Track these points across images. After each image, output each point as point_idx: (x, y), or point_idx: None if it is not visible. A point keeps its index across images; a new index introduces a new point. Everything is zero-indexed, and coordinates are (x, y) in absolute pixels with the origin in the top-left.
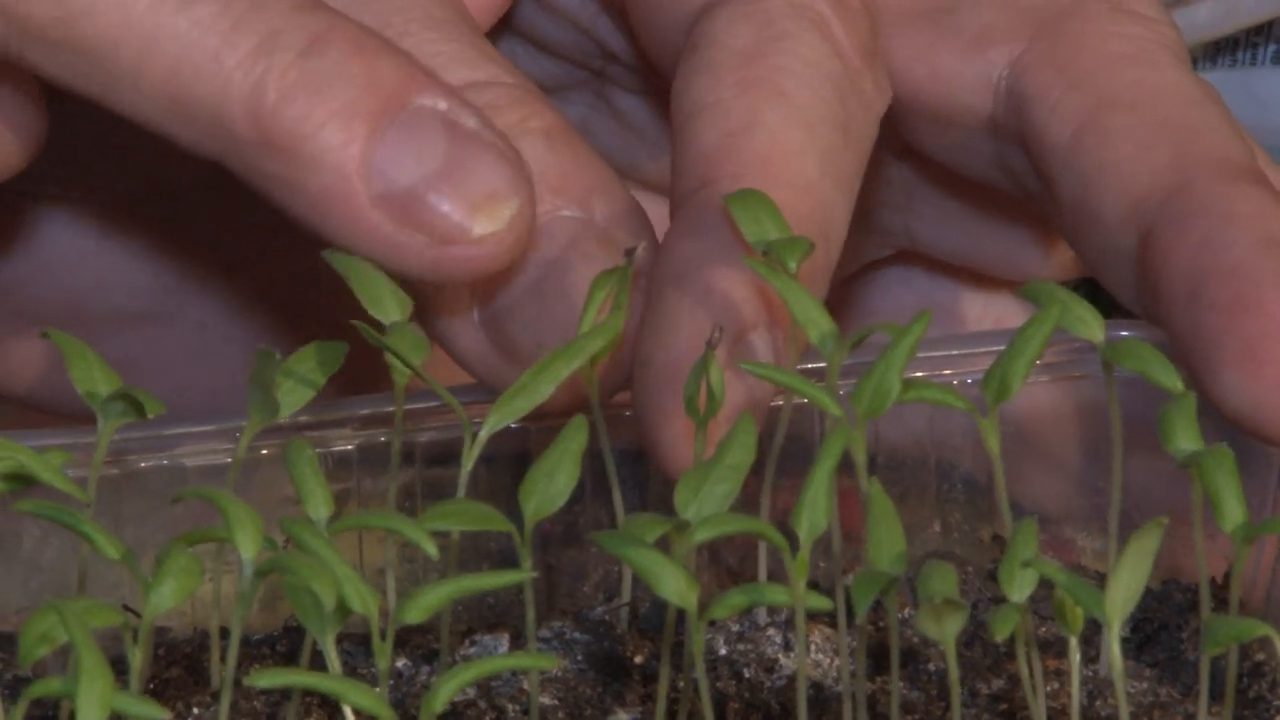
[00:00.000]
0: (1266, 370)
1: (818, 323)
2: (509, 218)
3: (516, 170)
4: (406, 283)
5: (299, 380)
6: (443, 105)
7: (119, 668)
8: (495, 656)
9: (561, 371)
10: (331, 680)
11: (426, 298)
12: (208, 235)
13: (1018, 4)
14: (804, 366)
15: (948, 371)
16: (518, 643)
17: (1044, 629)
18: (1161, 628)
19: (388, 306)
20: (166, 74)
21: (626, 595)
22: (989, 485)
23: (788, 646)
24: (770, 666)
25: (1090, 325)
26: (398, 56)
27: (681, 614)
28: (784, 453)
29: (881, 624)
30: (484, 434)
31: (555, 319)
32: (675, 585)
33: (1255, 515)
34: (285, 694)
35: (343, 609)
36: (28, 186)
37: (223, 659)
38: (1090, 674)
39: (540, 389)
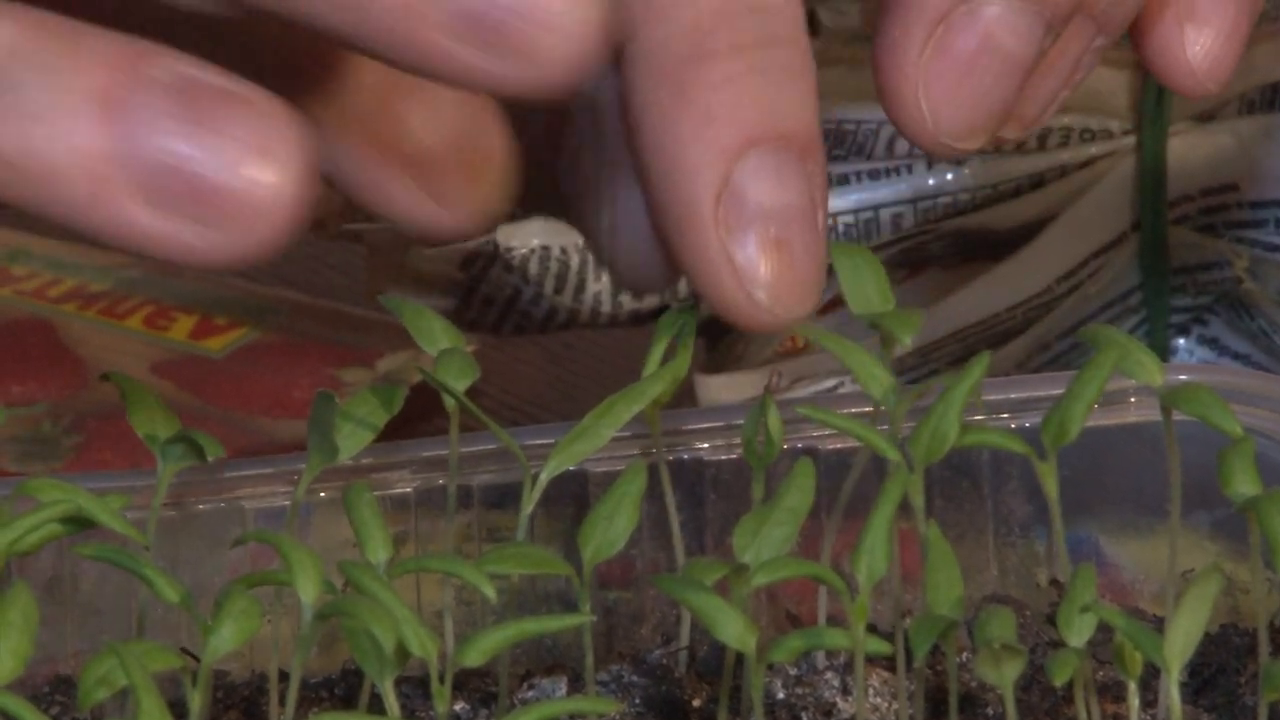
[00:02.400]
0: None
1: (879, 379)
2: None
3: None
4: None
5: (358, 423)
6: None
7: (177, 711)
8: (554, 700)
9: (623, 415)
10: None
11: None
12: None
13: None
14: (862, 410)
15: (1005, 415)
16: (576, 686)
17: (1102, 673)
18: (1220, 672)
19: (438, 338)
20: None
21: (685, 638)
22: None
23: (846, 690)
24: (828, 710)
25: (1149, 369)
26: None
27: (740, 657)
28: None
29: (940, 668)
30: (544, 477)
31: None
32: (734, 629)
33: None
34: None
35: (402, 652)
36: None
37: (281, 702)
38: (1148, 718)
39: (601, 433)
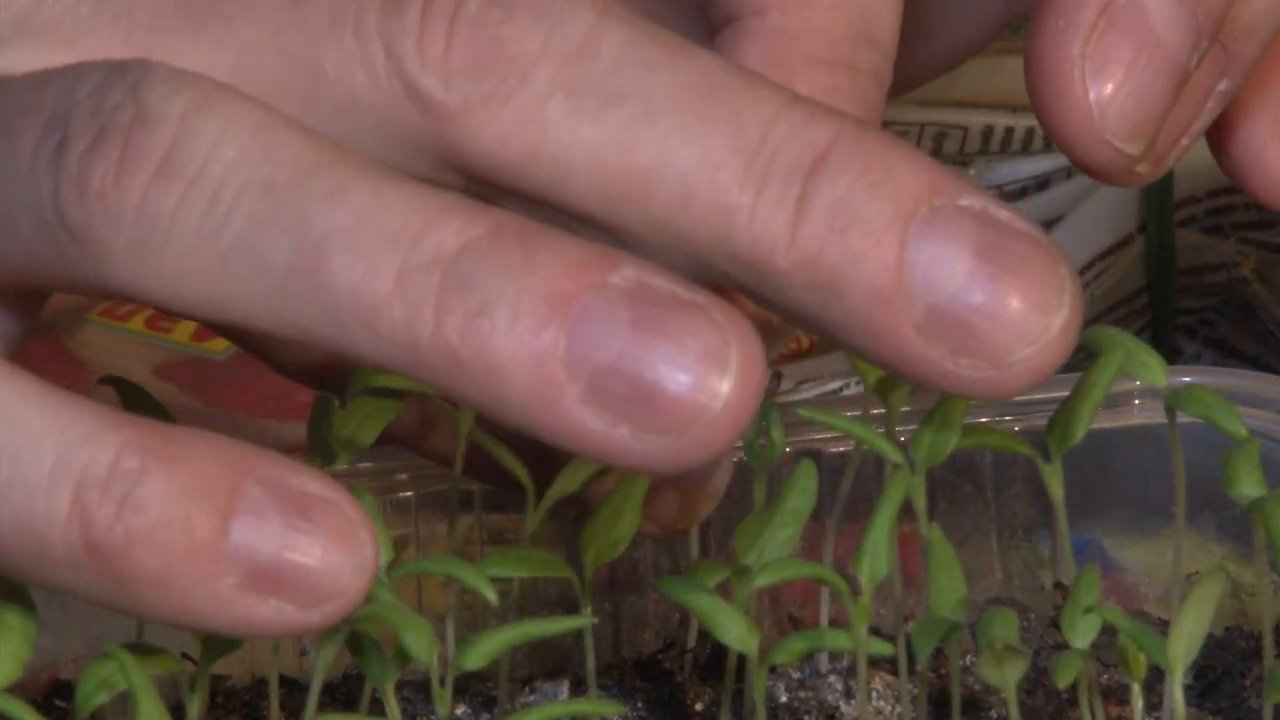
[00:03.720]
0: None
1: (876, 369)
2: (1061, 323)
3: (1065, 263)
4: None
5: (358, 427)
6: (973, 202)
7: (177, 715)
8: (556, 703)
9: None
10: None
11: None
12: None
13: None
14: (874, 412)
15: (1009, 417)
16: (578, 689)
17: (1106, 676)
18: (1225, 674)
19: None
20: (671, 203)
21: (688, 641)
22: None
23: (849, 693)
24: (831, 713)
25: (1154, 371)
26: (918, 157)
27: (742, 660)
28: (845, 498)
29: (943, 670)
30: (546, 502)
31: None
32: (737, 631)
33: None
34: None
35: (402, 656)
36: None
37: (281, 707)
38: None
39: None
